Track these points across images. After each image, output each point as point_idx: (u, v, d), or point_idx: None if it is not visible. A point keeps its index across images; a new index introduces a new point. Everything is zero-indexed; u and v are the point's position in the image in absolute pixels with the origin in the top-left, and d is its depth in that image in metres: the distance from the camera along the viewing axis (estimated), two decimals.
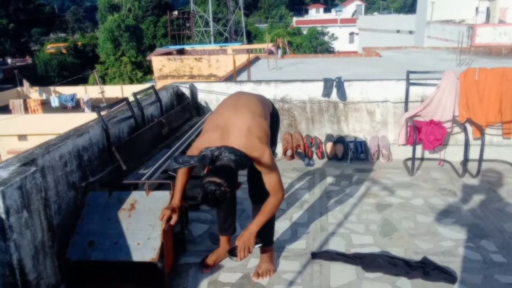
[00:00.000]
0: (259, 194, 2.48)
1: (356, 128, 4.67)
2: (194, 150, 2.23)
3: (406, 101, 4.43)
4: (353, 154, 4.56)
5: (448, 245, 2.96)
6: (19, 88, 24.90)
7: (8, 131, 16.49)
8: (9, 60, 45.60)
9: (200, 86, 4.77)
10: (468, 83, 4.24)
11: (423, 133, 4.19)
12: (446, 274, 2.60)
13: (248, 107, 2.32)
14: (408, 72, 4.41)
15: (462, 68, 9.74)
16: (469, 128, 4.27)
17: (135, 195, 2.56)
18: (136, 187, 2.71)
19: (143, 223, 2.46)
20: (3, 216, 1.89)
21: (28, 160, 2.24)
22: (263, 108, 2.39)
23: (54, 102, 21.14)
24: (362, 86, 4.55)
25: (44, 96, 22.65)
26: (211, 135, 2.20)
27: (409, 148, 4.36)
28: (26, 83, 24.34)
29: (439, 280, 2.57)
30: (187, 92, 4.69)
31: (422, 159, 4.54)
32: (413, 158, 4.18)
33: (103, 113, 3.13)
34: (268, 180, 2.25)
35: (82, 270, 2.47)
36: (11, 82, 32.75)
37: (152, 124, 3.50)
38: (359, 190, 3.88)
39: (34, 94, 23.58)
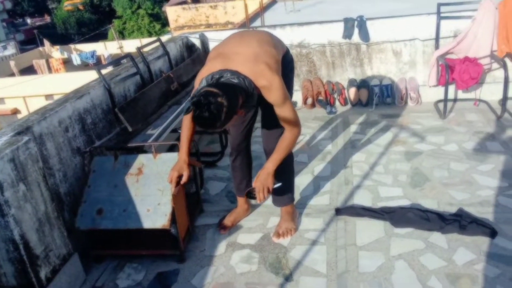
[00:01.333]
0: (274, 144, 2.22)
1: (381, 70, 4.30)
2: (196, 84, 2.02)
3: (437, 38, 4.00)
4: (378, 99, 4.24)
5: (486, 195, 2.70)
6: (40, 48, 25.00)
7: (35, 91, 16.71)
8: (28, 20, 45.53)
9: (210, 35, 4.45)
10: (508, 13, 3.74)
11: (457, 72, 3.80)
12: (484, 227, 2.36)
13: (256, 37, 2.08)
14: (439, 5, 3.94)
15: None
16: (509, 63, 3.83)
17: (142, 159, 2.40)
18: (143, 150, 2.54)
19: (152, 188, 2.31)
20: None
21: (22, 129, 2.09)
22: (273, 42, 2.12)
23: (76, 60, 21.16)
24: (387, 24, 4.12)
25: (65, 55, 22.68)
26: (213, 64, 1.95)
27: (441, 89, 3.99)
28: (47, 43, 24.35)
29: (477, 234, 2.34)
30: (197, 43, 4.40)
31: (455, 100, 4.17)
32: (445, 100, 3.82)
33: (105, 71, 2.92)
34: (281, 112, 2.00)
35: (94, 237, 2.38)
36: (32, 43, 32.90)
37: (159, 80, 3.27)
38: (386, 138, 3.61)
39: (56, 53, 23.64)
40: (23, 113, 17.56)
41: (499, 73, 3.93)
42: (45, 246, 2.03)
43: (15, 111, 17.48)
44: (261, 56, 1.94)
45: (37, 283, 1.96)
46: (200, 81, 1.94)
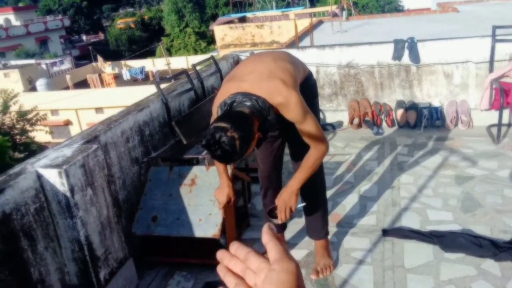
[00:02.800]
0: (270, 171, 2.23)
1: (431, 92, 4.26)
2: (213, 112, 1.94)
3: (491, 61, 3.93)
4: (427, 121, 4.18)
5: None
6: (93, 64, 26.45)
7: (86, 104, 17.66)
8: (84, 37, 48.28)
9: None
10: None
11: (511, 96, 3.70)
12: None
13: (272, 55, 1.99)
14: (494, 27, 3.88)
15: None
16: None
17: (195, 170, 2.51)
18: (197, 161, 2.66)
19: (204, 199, 2.41)
20: (68, 194, 1.91)
21: (91, 137, 2.26)
22: (290, 59, 2.00)
23: (126, 75, 22.19)
24: (438, 46, 4.09)
25: (116, 70, 23.89)
26: (226, 88, 1.87)
27: (494, 114, 3.89)
28: (100, 59, 25.76)
29: None
30: None
31: (509, 125, 4.04)
32: (499, 124, 3.72)
33: (162, 86, 3.09)
34: (304, 129, 1.86)
35: (148, 244, 2.50)
36: (86, 58, 34.84)
37: (212, 96, 3.42)
38: (435, 161, 3.55)
39: (108, 68, 24.93)
40: (75, 124, 18.54)
41: None
42: (105, 249, 2.16)
43: (67, 123, 18.51)
44: (275, 72, 1.83)
45: (97, 283, 2.08)
46: (216, 110, 1.86)
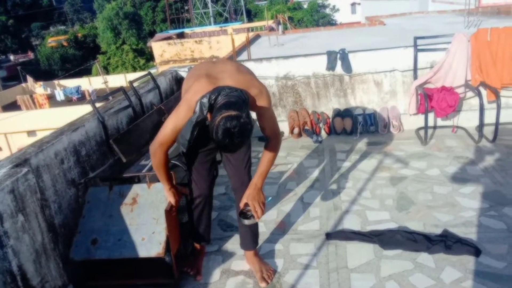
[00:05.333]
0: (245, 176, 2.29)
1: (364, 100, 4.49)
2: (185, 109, 1.91)
3: (415, 69, 4.23)
4: (362, 127, 4.40)
5: (469, 215, 2.82)
6: (23, 84, 24.99)
7: (16, 127, 16.59)
8: (11, 57, 45.58)
9: None
10: (480, 45, 4.01)
11: (435, 101, 4.00)
12: (469, 246, 2.47)
13: (227, 61, 2.14)
14: (416, 38, 4.19)
15: (471, 30, 9.38)
16: (483, 91, 4.06)
17: (136, 189, 2.45)
18: (138, 179, 2.60)
19: (147, 217, 2.35)
20: None
21: (20, 161, 2.13)
22: (244, 68, 2.12)
23: (60, 95, 21.20)
24: (368, 57, 4.34)
25: (49, 91, 22.72)
26: (200, 83, 1.88)
27: (421, 117, 4.18)
28: (30, 79, 24.40)
29: (462, 253, 2.44)
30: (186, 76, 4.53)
31: (435, 127, 4.36)
32: (425, 127, 4.00)
33: (98, 104, 3.00)
34: (268, 119, 2.03)
35: (89, 269, 2.39)
36: (15, 79, 32.84)
37: (151, 112, 3.37)
38: (371, 164, 3.74)
39: (39, 89, 23.66)
40: (4, 149, 17.34)
41: (475, 101, 4.15)
42: (41, 278, 2.04)
43: None
44: (241, 68, 1.98)
45: None
46: (195, 105, 1.86)
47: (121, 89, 3.29)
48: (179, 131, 1.99)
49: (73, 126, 2.67)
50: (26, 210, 1.96)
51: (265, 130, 2.08)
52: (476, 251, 2.44)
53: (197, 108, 1.85)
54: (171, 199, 2.29)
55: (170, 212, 2.29)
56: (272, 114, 2.06)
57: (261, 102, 1.97)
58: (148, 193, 2.43)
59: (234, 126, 1.65)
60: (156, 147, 2.04)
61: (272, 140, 2.11)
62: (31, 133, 17.06)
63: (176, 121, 1.95)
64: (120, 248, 2.28)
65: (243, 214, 2.15)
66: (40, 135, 16.25)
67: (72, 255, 2.28)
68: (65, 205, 2.45)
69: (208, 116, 1.84)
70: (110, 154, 2.90)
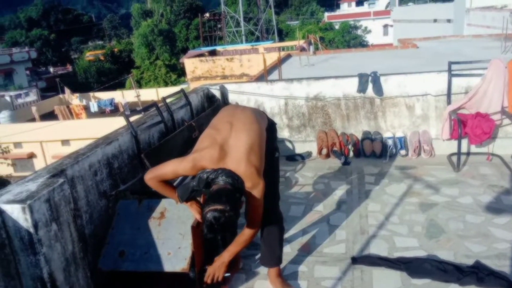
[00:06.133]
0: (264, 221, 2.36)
1: (394, 123, 4.44)
2: (189, 165, 2.08)
3: (449, 94, 4.15)
4: (392, 151, 4.33)
5: (503, 247, 2.71)
6: (60, 95, 26.00)
7: (52, 136, 17.21)
8: (51, 69, 47.59)
9: (230, 87, 4.68)
10: None
11: (469, 127, 3.91)
12: (502, 280, 2.37)
13: (245, 127, 2.18)
14: (450, 63, 4.13)
15: (508, 55, 9.16)
16: None
17: (164, 203, 2.49)
18: None
19: (173, 232, 2.38)
20: (32, 230, 1.85)
21: (57, 171, 2.22)
22: (259, 125, 2.25)
23: (94, 107, 21.91)
24: (400, 80, 4.30)
25: (84, 102, 23.53)
26: (210, 152, 2.07)
27: (453, 143, 4.08)
28: (67, 90, 25.37)
29: (494, 286, 2.35)
30: (217, 94, 4.61)
31: (468, 154, 4.24)
32: (458, 153, 3.90)
33: (132, 119, 3.09)
34: (253, 211, 2.17)
35: (115, 280, 2.43)
36: (53, 90, 34.23)
37: (182, 128, 3.44)
38: (401, 189, 3.66)
39: (75, 100, 24.55)
40: (39, 157, 17.99)
41: (511, 129, 4.03)
42: (70, 286, 2.09)
43: (31, 155, 17.94)
44: (252, 158, 2.07)
45: None
46: (196, 168, 2.06)
47: (154, 105, 3.38)
48: (177, 176, 2.25)
49: (107, 139, 2.76)
50: (60, 219, 2.03)
51: (247, 217, 2.22)
52: (509, 285, 2.34)
53: (196, 179, 2.06)
54: (196, 215, 2.31)
55: (197, 228, 2.31)
56: (258, 207, 2.15)
57: (252, 194, 2.09)
58: (176, 208, 2.47)
59: (218, 220, 1.84)
60: (150, 178, 2.18)
61: (249, 226, 2.22)
62: (65, 142, 17.66)
63: (178, 168, 2.13)
64: (146, 261, 2.32)
65: (202, 272, 2.32)
66: (73, 145, 16.81)
67: (100, 265, 2.33)
68: (96, 216, 2.51)
69: (202, 196, 2.12)
70: (141, 168, 2.96)
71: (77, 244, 2.16)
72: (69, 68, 47.59)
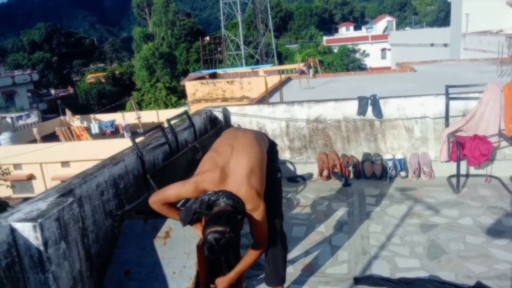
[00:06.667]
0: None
1: (394, 145, 4.51)
2: (191, 188, 2.14)
3: (447, 116, 4.24)
4: (392, 173, 4.39)
5: (504, 268, 2.74)
6: (61, 117, 26.18)
7: (52, 158, 17.24)
8: (52, 91, 48.00)
9: (233, 109, 4.77)
10: None
11: (467, 149, 3.98)
12: None
13: (245, 149, 2.24)
14: (447, 87, 4.23)
15: (504, 79, 9.32)
16: None
17: (170, 223, 2.53)
18: None
19: (178, 251, 2.42)
20: (42, 248, 1.90)
21: (66, 191, 2.27)
22: (260, 148, 2.31)
23: (95, 129, 22.02)
24: (399, 103, 4.40)
25: (85, 124, 23.68)
26: (211, 175, 2.13)
27: (452, 165, 4.15)
28: (68, 112, 25.56)
29: None
30: (220, 116, 4.70)
31: (467, 175, 4.30)
32: (457, 175, 3.96)
33: (137, 140, 3.16)
34: (257, 232, 2.20)
35: None
36: (54, 112, 34.48)
37: (186, 150, 3.50)
38: (401, 210, 3.71)
39: (76, 122, 24.71)
40: (38, 178, 17.98)
41: (509, 151, 4.10)
42: None
43: (30, 177, 17.93)
44: (252, 181, 2.12)
45: None
46: (198, 191, 2.11)
47: (159, 127, 3.45)
48: (180, 199, 2.29)
49: (114, 160, 2.82)
50: (68, 238, 2.07)
51: (253, 236, 2.25)
52: None
53: (198, 202, 2.11)
54: (201, 235, 2.35)
55: (202, 248, 2.34)
56: (262, 227, 2.19)
57: (254, 216, 2.13)
58: (181, 227, 2.50)
59: (218, 241, 1.89)
60: (153, 202, 2.23)
61: (255, 246, 2.26)
62: (65, 164, 17.68)
63: (181, 191, 2.19)
64: (151, 280, 2.34)
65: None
66: (73, 166, 16.82)
67: (106, 284, 2.36)
68: (102, 235, 2.55)
69: (204, 219, 2.11)
70: (146, 188, 3.02)
71: (84, 262, 2.19)
72: (70, 90, 48.03)
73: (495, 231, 3.22)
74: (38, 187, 17.59)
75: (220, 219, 1.94)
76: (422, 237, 3.23)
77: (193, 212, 2.17)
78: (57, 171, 17.53)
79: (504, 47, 13.86)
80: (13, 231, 1.89)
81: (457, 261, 2.87)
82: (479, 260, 2.86)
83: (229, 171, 2.14)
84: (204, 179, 2.13)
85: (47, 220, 1.93)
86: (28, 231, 1.89)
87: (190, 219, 2.22)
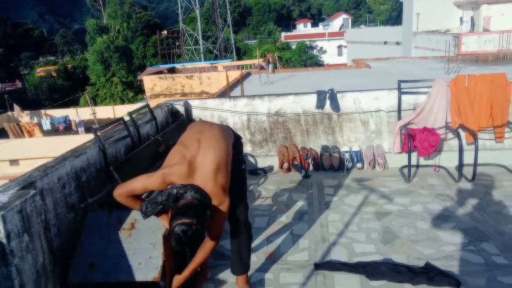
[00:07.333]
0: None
1: (351, 138, 4.71)
2: (158, 180, 2.17)
3: (399, 110, 4.49)
4: (349, 164, 4.58)
5: (450, 250, 2.97)
6: (9, 113, 24.81)
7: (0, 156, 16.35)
8: None
9: (194, 103, 4.79)
10: (458, 90, 4.30)
11: (417, 140, 4.23)
12: (450, 278, 2.60)
13: (212, 144, 2.28)
14: (399, 82, 4.47)
15: (451, 75, 9.88)
16: (462, 133, 4.32)
17: (134, 214, 2.54)
18: None
19: (144, 242, 2.44)
20: (4, 241, 1.87)
21: (27, 183, 2.23)
22: (226, 142, 2.36)
23: (46, 125, 21.06)
24: (355, 97, 4.59)
25: (35, 120, 22.59)
26: (179, 168, 2.16)
27: (404, 156, 4.39)
28: (16, 108, 24.26)
29: (443, 285, 2.57)
30: (181, 109, 4.71)
31: (417, 166, 4.57)
32: (409, 166, 4.21)
33: (98, 133, 3.13)
34: (216, 227, 2.25)
35: None
36: (0, 107, 32.65)
37: (148, 143, 3.50)
38: (358, 199, 3.89)
39: (25, 118, 23.50)
40: None
41: (455, 142, 4.40)
42: None
43: None
44: (218, 177, 2.18)
45: None
46: (166, 183, 2.14)
47: (120, 119, 3.43)
48: (146, 191, 2.28)
49: (75, 153, 2.78)
50: (31, 230, 2.04)
51: (209, 231, 2.29)
52: (456, 283, 2.57)
53: (165, 194, 2.12)
54: (166, 225, 2.39)
55: (168, 238, 2.38)
56: (221, 223, 2.27)
57: (218, 210, 2.20)
58: (146, 219, 2.52)
59: (186, 233, 1.91)
60: (119, 194, 2.25)
61: (208, 241, 2.30)
62: (13, 162, 16.84)
63: (147, 184, 2.20)
64: (117, 271, 2.35)
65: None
66: (22, 165, 16.04)
67: (70, 278, 2.34)
68: (64, 229, 2.52)
69: (170, 211, 2.13)
70: (108, 181, 2.99)
71: (48, 256, 2.17)
72: (18, 84, 45.64)
73: (443, 216, 3.47)
74: None
75: (187, 211, 1.97)
76: (377, 223, 3.42)
77: (159, 204, 2.20)
78: (5, 169, 16.66)
79: (451, 46, 14.65)
80: None
81: (408, 245, 3.07)
82: (428, 243, 3.08)
83: (196, 165, 2.18)
84: (172, 172, 2.16)
85: (9, 212, 1.90)
86: None
87: (156, 212, 2.24)
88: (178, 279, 2.36)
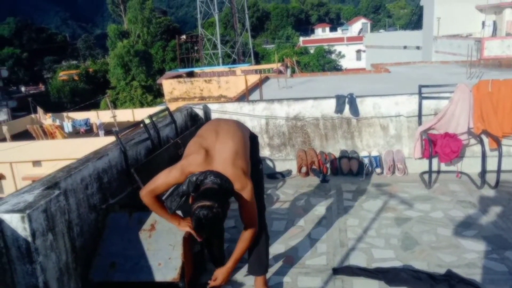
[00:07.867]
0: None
1: (370, 143, 4.67)
2: (178, 173, 2.18)
3: (420, 115, 4.43)
4: (368, 169, 4.54)
5: (472, 257, 2.91)
6: (32, 115, 25.44)
7: (23, 157, 16.75)
8: (22, 89, 46.64)
9: (213, 107, 4.83)
10: (481, 95, 4.23)
11: (439, 146, 4.17)
12: (472, 287, 2.55)
13: (229, 133, 2.31)
14: (420, 86, 4.42)
15: (473, 80, 9.69)
16: (485, 139, 4.23)
17: (155, 216, 2.58)
18: None
19: (164, 243, 2.47)
20: (29, 239, 1.91)
21: (51, 184, 2.29)
22: (242, 133, 2.39)
23: (68, 127, 21.53)
24: (375, 102, 4.56)
25: (57, 122, 23.09)
26: (196, 157, 2.18)
27: (425, 162, 4.33)
28: (40, 110, 24.87)
29: None
30: (200, 113, 4.75)
31: (438, 172, 4.50)
32: (429, 171, 4.15)
33: (120, 135, 3.18)
34: (247, 212, 2.24)
35: None
36: (24, 110, 33.48)
37: (168, 145, 3.54)
38: (377, 205, 3.85)
39: (48, 120, 24.05)
40: (8, 179, 17.43)
41: (477, 148, 4.32)
42: None
43: (0, 177, 17.37)
44: (238, 161, 2.17)
45: None
46: (185, 175, 2.15)
47: (141, 122, 3.48)
48: (170, 186, 2.27)
49: (98, 154, 2.84)
50: (55, 229, 2.09)
51: (243, 219, 2.29)
52: None
53: (185, 183, 2.12)
54: (186, 228, 2.40)
55: (188, 240, 2.40)
56: (251, 207, 2.23)
57: (241, 196, 2.17)
58: (165, 220, 2.55)
59: (206, 216, 1.91)
60: (145, 194, 2.26)
61: (246, 229, 2.30)
62: (36, 163, 17.21)
63: (168, 178, 2.21)
64: (137, 272, 2.38)
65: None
66: (45, 166, 16.39)
67: (92, 276, 2.38)
68: (86, 228, 2.57)
69: (190, 198, 2.11)
70: (129, 183, 3.04)
71: (70, 254, 2.21)
72: (42, 87, 46.81)
73: (464, 223, 3.40)
74: (8, 187, 17.08)
75: (208, 195, 1.98)
76: (397, 229, 3.38)
77: (181, 195, 2.20)
78: (29, 170, 17.05)
79: (473, 50, 14.39)
80: (0, 222, 1.91)
81: (429, 252, 3.02)
82: (449, 250, 3.02)
83: (214, 153, 2.19)
84: (190, 162, 2.18)
85: (35, 212, 1.95)
86: (15, 222, 1.91)
87: (178, 202, 2.24)
88: (222, 273, 2.35)
